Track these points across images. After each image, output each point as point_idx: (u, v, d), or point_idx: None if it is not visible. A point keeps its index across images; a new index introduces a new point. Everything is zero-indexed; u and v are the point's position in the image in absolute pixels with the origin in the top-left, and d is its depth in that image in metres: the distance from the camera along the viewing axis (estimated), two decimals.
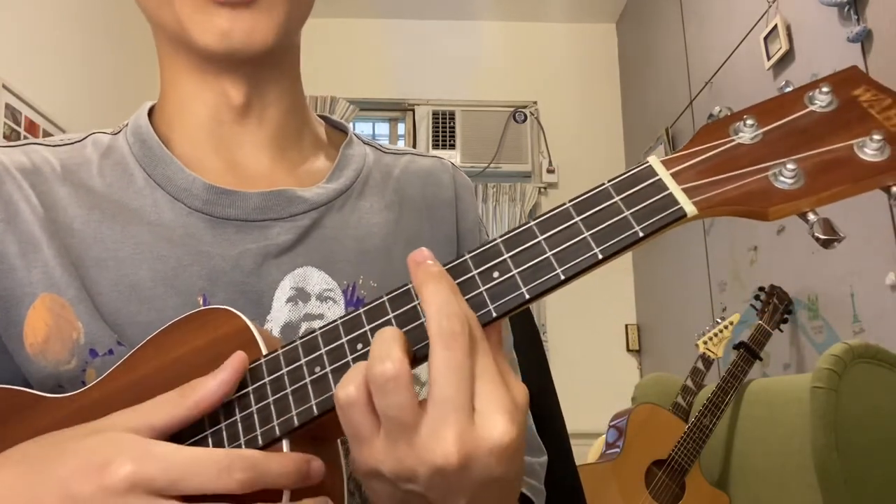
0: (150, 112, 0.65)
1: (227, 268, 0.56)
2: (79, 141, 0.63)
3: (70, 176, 0.59)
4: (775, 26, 2.22)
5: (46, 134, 2.48)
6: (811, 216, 0.38)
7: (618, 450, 1.89)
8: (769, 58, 2.28)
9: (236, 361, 0.43)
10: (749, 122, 0.41)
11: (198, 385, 0.42)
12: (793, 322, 2.12)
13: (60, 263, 0.55)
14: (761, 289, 2.10)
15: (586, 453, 2.27)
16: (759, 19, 2.38)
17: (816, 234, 0.38)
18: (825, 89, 0.41)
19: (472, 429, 0.37)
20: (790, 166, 0.38)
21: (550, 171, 3.76)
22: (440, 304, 0.39)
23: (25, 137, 2.38)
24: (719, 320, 2.16)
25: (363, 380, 0.39)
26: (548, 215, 0.41)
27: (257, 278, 0.56)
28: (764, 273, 2.31)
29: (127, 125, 0.64)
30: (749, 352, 1.89)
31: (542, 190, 3.76)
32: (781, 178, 0.39)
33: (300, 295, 0.57)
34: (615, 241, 0.40)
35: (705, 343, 2.10)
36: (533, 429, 0.68)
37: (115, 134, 0.64)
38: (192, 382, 0.43)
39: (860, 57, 1.84)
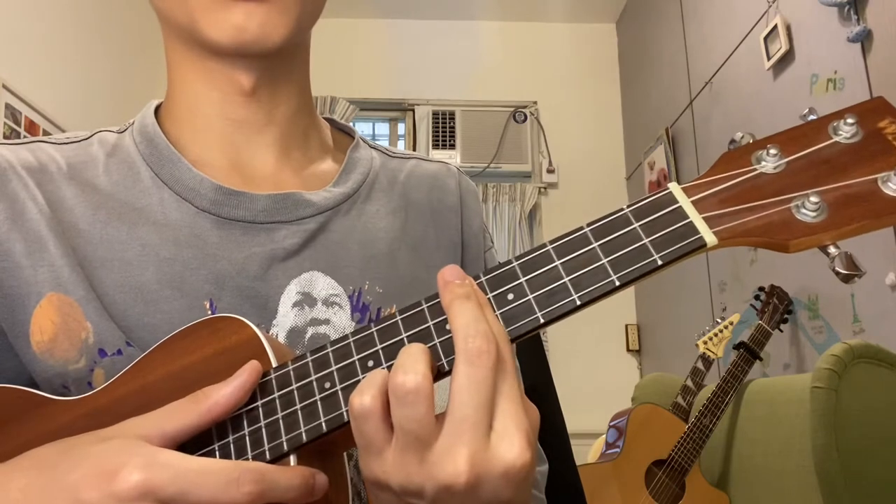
0: (157, 111, 0.64)
1: (233, 272, 0.56)
2: (85, 139, 0.63)
3: (76, 174, 0.59)
4: (775, 26, 2.22)
5: (46, 134, 2.48)
6: (832, 249, 0.38)
7: (618, 450, 1.89)
8: (769, 58, 2.28)
9: (250, 369, 0.43)
10: (772, 151, 0.41)
11: (211, 391, 0.42)
12: (793, 322, 2.12)
13: (68, 263, 0.54)
14: (761, 289, 2.10)
15: (586, 453, 2.28)
16: (759, 19, 2.38)
17: (837, 269, 0.38)
18: (850, 120, 0.40)
19: (486, 449, 0.37)
20: (813, 199, 0.38)
21: (550, 171, 3.76)
22: (467, 322, 0.38)
23: (25, 137, 2.37)
24: (719, 320, 2.16)
25: (380, 390, 0.38)
26: (565, 239, 0.41)
27: (263, 283, 0.56)
28: (764, 273, 2.31)
29: (133, 123, 0.64)
30: (749, 352, 1.89)
31: (542, 190, 3.76)
32: (804, 211, 0.38)
33: (306, 300, 0.57)
34: (633, 268, 0.39)
35: (705, 343, 2.10)
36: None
37: (122, 132, 0.64)
38: (205, 389, 0.43)
39: (860, 57, 1.84)
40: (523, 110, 3.83)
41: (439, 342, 0.41)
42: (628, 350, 3.62)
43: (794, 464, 1.50)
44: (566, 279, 0.40)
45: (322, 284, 0.58)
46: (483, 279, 0.42)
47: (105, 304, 0.54)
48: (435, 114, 3.82)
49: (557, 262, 0.41)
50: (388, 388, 0.38)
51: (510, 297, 0.41)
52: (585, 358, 3.45)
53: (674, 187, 0.41)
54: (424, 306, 0.42)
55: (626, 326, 3.63)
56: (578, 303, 0.40)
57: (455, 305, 0.39)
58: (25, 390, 0.51)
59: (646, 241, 0.40)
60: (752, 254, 2.43)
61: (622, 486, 1.82)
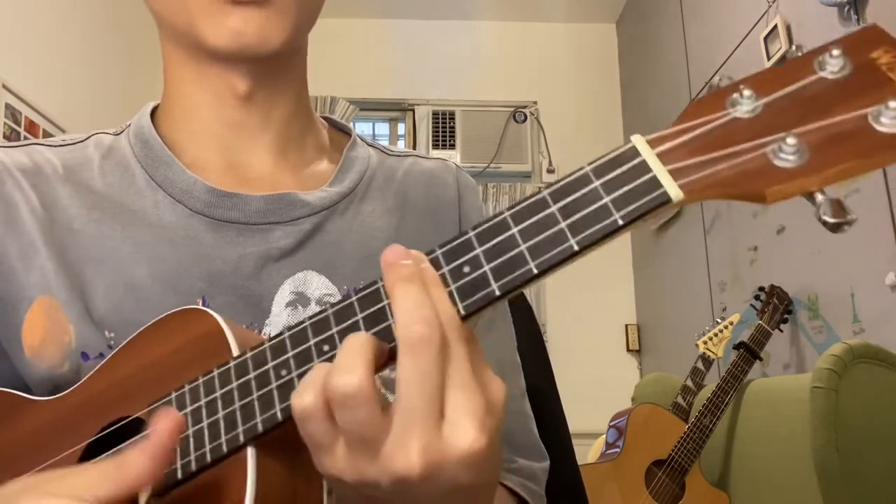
0: (153, 113, 0.64)
1: (227, 271, 0.56)
2: (81, 141, 0.63)
3: (71, 175, 0.59)
4: (775, 26, 2.22)
5: (46, 134, 2.48)
6: (818, 196, 0.34)
7: (618, 450, 1.89)
8: (769, 58, 2.28)
9: (161, 430, 0.39)
10: (747, 92, 0.36)
11: (129, 464, 0.39)
12: (793, 322, 2.12)
13: (56, 265, 0.54)
14: (761, 289, 2.10)
15: (586, 453, 2.28)
16: (759, 19, 2.38)
17: (824, 217, 0.33)
18: (836, 52, 0.36)
19: (438, 438, 0.36)
20: (790, 140, 0.34)
21: (550, 171, 3.76)
22: (409, 308, 0.36)
23: (25, 137, 2.38)
24: (719, 320, 2.16)
25: (321, 388, 0.36)
26: (523, 204, 0.38)
27: (257, 282, 0.56)
28: (764, 273, 2.31)
29: (129, 126, 0.64)
30: (749, 352, 1.89)
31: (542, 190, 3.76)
32: (781, 155, 0.34)
33: (300, 299, 0.57)
34: (593, 230, 0.36)
35: (705, 343, 2.10)
36: (535, 433, 0.67)
37: (118, 134, 0.64)
38: (126, 456, 0.39)
39: None
40: (523, 110, 3.83)
41: (394, 322, 0.38)
42: (628, 350, 3.62)
43: (794, 464, 1.50)
44: (523, 247, 0.37)
45: (316, 284, 0.58)
46: (438, 252, 0.39)
47: (95, 304, 0.54)
48: (435, 114, 3.82)
49: (514, 230, 0.38)
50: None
51: (466, 269, 0.38)
52: (585, 358, 3.44)
53: (637, 139, 0.37)
54: (379, 285, 0.40)
55: (626, 326, 3.63)
56: (535, 272, 0.37)
57: (397, 289, 0.37)
58: (7, 392, 0.51)
59: (606, 199, 0.36)
60: (753, 254, 2.43)
61: (622, 486, 1.82)
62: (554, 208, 0.37)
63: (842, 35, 0.37)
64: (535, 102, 3.86)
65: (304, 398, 0.37)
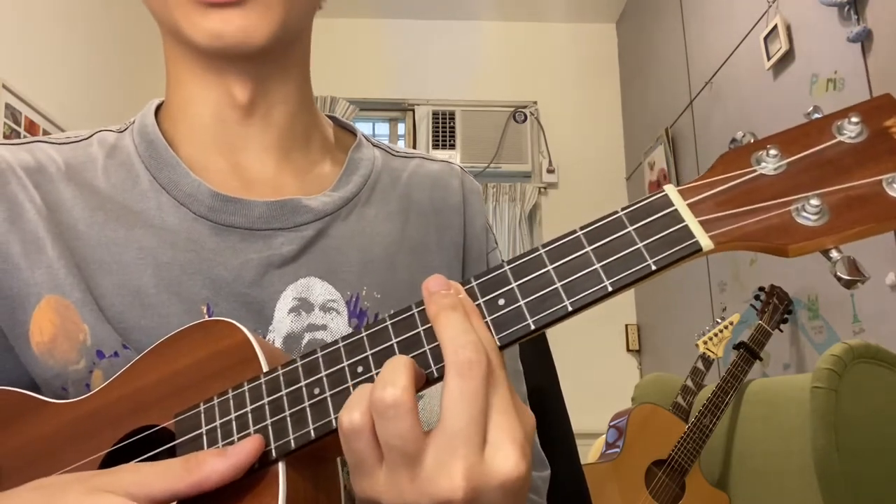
0: (158, 109, 0.64)
1: (229, 278, 0.56)
2: (85, 139, 0.62)
3: (75, 175, 0.59)
4: (775, 26, 2.22)
5: (46, 134, 2.48)
6: (834, 254, 0.37)
7: (618, 450, 1.89)
8: (769, 58, 2.28)
9: (250, 446, 0.41)
10: (773, 151, 0.39)
11: (205, 461, 0.40)
12: (793, 322, 2.12)
13: (65, 265, 0.54)
14: (761, 289, 2.10)
15: (586, 453, 2.28)
16: (760, 19, 2.38)
17: (839, 275, 0.36)
18: (854, 119, 0.38)
19: (481, 462, 0.36)
20: (814, 202, 0.37)
21: (550, 171, 3.76)
22: (455, 333, 0.37)
23: (25, 137, 2.37)
24: (719, 320, 2.16)
25: (367, 406, 0.37)
26: (558, 243, 0.40)
27: (259, 289, 0.56)
28: (764, 273, 2.31)
29: (133, 123, 0.63)
30: (749, 352, 1.89)
31: (542, 190, 3.76)
32: (804, 214, 0.37)
33: (303, 305, 0.57)
34: (627, 273, 0.38)
35: (705, 343, 2.10)
36: (536, 442, 0.67)
37: (122, 132, 0.63)
38: (201, 456, 0.40)
39: (860, 57, 1.84)
40: (523, 110, 3.83)
41: (429, 349, 0.40)
42: (628, 350, 3.62)
43: (793, 463, 1.50)
44: (558, 284, 0.39)
45: (319, 290, 0.57)
46: (474, 284, 0.41)
47: (102, 307, 0.54)
48: (435, 114, 3.82)
49: (550, 267, 0.39)
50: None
51: (501, 302, 0.40)
52: (585, 358, 3.44)
53: (670, 189, 0.40)
54: (415, 311, 0.41)
55: (626, 326, 3.63)
56: (570, 309, 0.38)
57: (441, 317, 0.38)
58: (21, 393, 0.51)
59: (640, 245, 0.38)
60: (753, 254, 2.43)
61: (622, 486, 1.82)
62: (588, 249, 0.39)
63: (853, 103, 0.40)
64: (535, 102, 3.86)
65: (353, 414, 0.38)
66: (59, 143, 0.61)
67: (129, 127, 0.63)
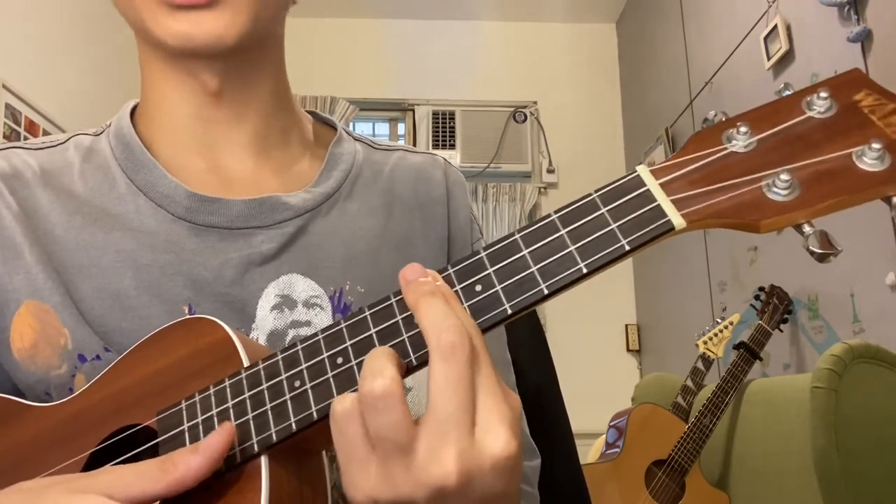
0: (133, 112, 0.63)
1: (209, 278, 0.55)
2: (61, 143, 0.62)
3: (51, 180, 0.58)
4: (775, 26, 2.22)
5: (46, 134, 2.48)
6: (807, 228, 0.37)
7: (618, 450, 1.89)
8: (769, 58, 2.28)
9: (220, 439, 0.40)
10: (743, 129, 0.39)
11: (180, 460, 0.40)
12: (793, 322, 2.12)
13: (43, 270, 0.54)
14: (761, 289, 2.10)
15: (586, 453, 2.28)
16: (760, 19, 2.38)
17: (812, 248, 0.36)
18: (824, 94, 0.39)
19: (472, 444, 0.36)
20: (784, 177, 0.37)
21: (550, 171, 3.76)
22: (436, 319, 0.37)
23: (25, 137, 2.38)
24: (719, 320, 2.16)
25: (357, 396, 0.37)
26: (534, 227, 0.40)
27: (240, 288, 0.56)
28: (764, 273, 2.31)
29: (109, 126, 0.63)
30: (749, 352, 1.89)
31: (542, 190, 3.76)
32: (775, 190, 0.37)
33: (286, 302, 0.56)
34: (601, 254, 0.39)
35: (705, 343, 2.10)
36: (526, 431, 0.67)
37: (98, 135, 0.63)
38: (175, 456, 0.40)
39: (860, 57, 1.84)
40: (523, 110, 3.83)
41: (407, 337, 0.40)
42: (628, 350, 3.62)
43: (793, 463, 1.50)
44: (534, 268, 0.39)
45: (302, 286, 0.57)
46: (451, 271, 0.41)
47: (82, 310, 0.54)
48: (435, 114, 3.82)
49: (525, 252, 0.40)
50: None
51: (478, 288, 0.40)
52: (585, 358, 3.44)
53: (642, 170, 0.40)
54: (393, 300, 0.41)
55: (626, 326, 3.63)
56: (546, 292, 0.39)
57: (421, 304, 0.38)
58: (4, 397, 0.51)
59: (613, 226, 0.39)
60: (753, 254, 2.43)
61: (622, 486, 1.82)
62: (563, 232, 0.40)
63: (833, 72, 0.41)
64: (535, 102, 3.86)
65: (345, 402, 0.38)
66: (35, 149, 0.61)
67: (105, 130, 0.63)
